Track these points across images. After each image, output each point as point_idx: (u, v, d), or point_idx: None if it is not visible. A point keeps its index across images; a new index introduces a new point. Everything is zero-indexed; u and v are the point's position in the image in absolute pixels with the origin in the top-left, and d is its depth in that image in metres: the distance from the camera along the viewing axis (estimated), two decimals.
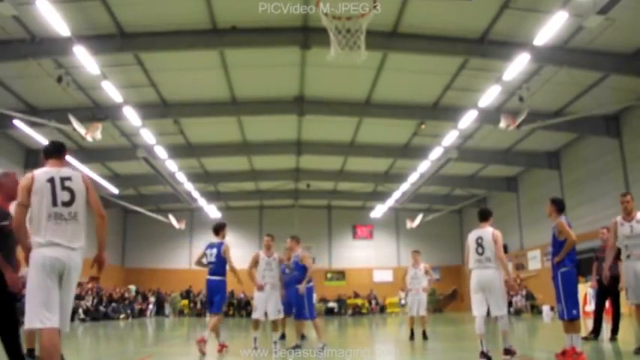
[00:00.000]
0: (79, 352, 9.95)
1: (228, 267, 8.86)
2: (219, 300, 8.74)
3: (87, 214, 4.58)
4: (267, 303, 8.83)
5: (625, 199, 7.03)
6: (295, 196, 32.18)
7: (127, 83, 17.39)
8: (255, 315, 8.92)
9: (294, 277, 9.20)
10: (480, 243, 7.19)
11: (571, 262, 6.83)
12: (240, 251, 34.84)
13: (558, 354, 6.72)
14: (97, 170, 24.96)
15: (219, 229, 9.16)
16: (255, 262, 9.13)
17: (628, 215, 6.92)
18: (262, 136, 23.38)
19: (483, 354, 6.78)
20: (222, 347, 9.15)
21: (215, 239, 9.02)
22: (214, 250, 8.83)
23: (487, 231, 7.26)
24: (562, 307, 6.69)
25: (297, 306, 9.09)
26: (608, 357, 7.48)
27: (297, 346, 8.61)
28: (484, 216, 7.52)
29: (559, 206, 7.04)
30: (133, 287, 29.56)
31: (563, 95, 18.43)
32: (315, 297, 10.26)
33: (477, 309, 7.12)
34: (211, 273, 8.80)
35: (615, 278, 9.08)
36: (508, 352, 6.91)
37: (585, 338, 9.43)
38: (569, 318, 6.64)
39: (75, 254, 4.37)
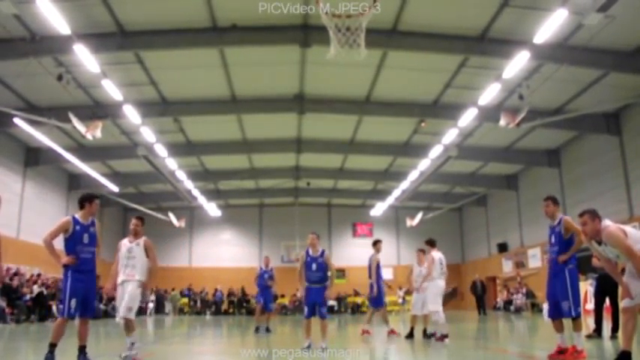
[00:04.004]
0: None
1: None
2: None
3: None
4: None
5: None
6: (295, 194, 32.20)
7: (127, 81, 17.39)
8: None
9: (319, 277, 8.77)
10: (441, 262, 10.27)
11: (575, 260, 6.85)
12: (240, 249, 35.21)
13: (553, 354, 6.67)
14: (97, 168, 24.99)
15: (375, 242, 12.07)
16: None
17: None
18: (262, 134, 23.39)
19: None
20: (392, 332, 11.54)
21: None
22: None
23: (442, 254, 10.39)
24: (569, 305, 6.63)
25: (317, 304, 8.80)
26: (609, 355, 7.50)
27: (309, 346, 8.57)
28: (435, 243, 10.52)
29: (558, 202, 7.10)
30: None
31: (563, 93, 18.42)
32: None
33: (440, 305, 10.00)
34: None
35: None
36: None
37: (589, 336, 9.45)
38: (577, 315, 6.64)
39: None
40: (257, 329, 13.33)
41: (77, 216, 6.64)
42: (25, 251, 20.88)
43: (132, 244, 7.23)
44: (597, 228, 5.57)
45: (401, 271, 33.47)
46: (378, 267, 11.92)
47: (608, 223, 5.52)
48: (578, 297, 6.71)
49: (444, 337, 9.70)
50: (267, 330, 13.34)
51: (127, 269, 7.09)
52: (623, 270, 5.70)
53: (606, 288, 9.89)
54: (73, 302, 6.29)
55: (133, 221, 7.34)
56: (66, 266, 6.37)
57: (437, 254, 10.27)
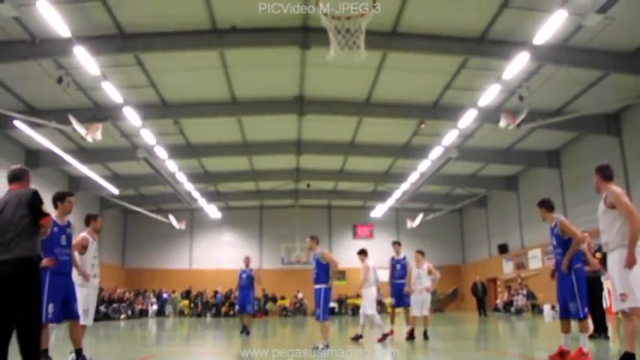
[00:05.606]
0: None
1: None
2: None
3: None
4: None
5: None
6: (295, 196, 32.18)
7: (127, 84, 17.39)
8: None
9: (315, 275, 9.09)
10: (374, 270, 11.19)
11: (580, 260, 6.87)
12: (239, 251, 35.04)
13: (554, 355, 6.66)
14: (97, 171, 24.99)
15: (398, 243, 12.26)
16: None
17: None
18: (262, 136, 23.38)
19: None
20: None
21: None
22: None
23: (374, 263, 11.34)
24: (577, 306, 6.60)
25: (315, 305, 9.05)
26: (609, 356, 7.51)
27: (326, 347, 8.59)
28: (367, 253, 11.47)
29: (550, 206, 7.18)
30: None
31: (563, 94, 18.42)
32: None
33: (375, 309, 11.07)
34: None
35: (596, 279, 9.64)
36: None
37: (590, 336, 9.46)
38: (584, 316, 6.63)
39: None
40: (247, 332, 13.20)
41: (54, 217, 6.30)
42: None
43: (95, 242, 7.14)
44: (598, 184, 6.23)
45: None
46: (391, 267, 12.13)
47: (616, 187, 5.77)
48: (585, 298, 6.68)
49: (385, 336, 10.55)
50: (245, 331, 13.08)
51: (93, 269, 7.08)
52: (603, 261, 5.79)
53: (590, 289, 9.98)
54: (51, 307, 6.10)
55: (99, 219, 7.25)
56: (44, 269, 6.06)
57: (370, 263, 11.20)
